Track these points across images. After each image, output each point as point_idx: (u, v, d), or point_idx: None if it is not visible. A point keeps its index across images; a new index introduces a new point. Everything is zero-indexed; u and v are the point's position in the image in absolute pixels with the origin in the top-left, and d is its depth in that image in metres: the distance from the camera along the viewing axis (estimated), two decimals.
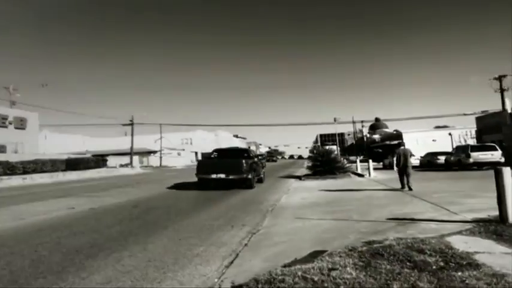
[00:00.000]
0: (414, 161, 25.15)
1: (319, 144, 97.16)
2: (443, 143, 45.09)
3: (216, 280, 4.29)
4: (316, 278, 3.57)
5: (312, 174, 23.12)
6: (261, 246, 5.82)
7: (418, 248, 4.42)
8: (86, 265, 4.89)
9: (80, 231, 7.21)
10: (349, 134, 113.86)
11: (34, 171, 29.37)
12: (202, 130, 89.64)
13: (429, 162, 29.71)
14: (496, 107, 38.59)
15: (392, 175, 17.68)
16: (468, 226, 5.81)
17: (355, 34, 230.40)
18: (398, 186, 13.21)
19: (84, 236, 6.74)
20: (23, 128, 38.59)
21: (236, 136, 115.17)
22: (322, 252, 4.77)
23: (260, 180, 19.07)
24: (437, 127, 61.71)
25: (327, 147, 32.75)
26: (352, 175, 22.78)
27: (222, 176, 15.58)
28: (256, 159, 19.09)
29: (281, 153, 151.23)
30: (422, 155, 31.78)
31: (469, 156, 23.63)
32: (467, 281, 3.27)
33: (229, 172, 15.59)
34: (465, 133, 47.29)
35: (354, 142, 72.35)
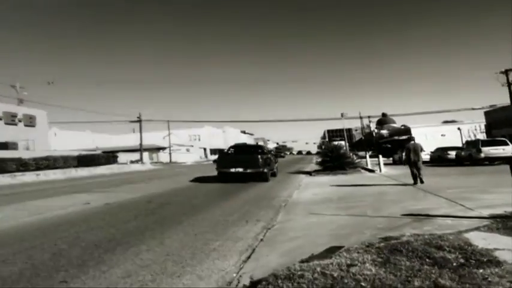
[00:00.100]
0: (424, 156, 25.00)
1: (327, 139, 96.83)
2: (452, 138, 44.71)
3: (234, 275, 4.33)
4: (335, 274, 3.59)
5: (322, 170, 23.07)
6: (277, 242, 5.86)
7: (436, 245, 4.41)
8: (106, 259, 4.97)
9: (97, 226, 7.31)
10: (356, 130, 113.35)
11: (47, 167, 29.74)
12: (210, 126, 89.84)
13: (439, 158, 29.51)
14: (504, 100, 38.11)
15: (403, 170, 17.61)
16: (485, 222, 5.77)
17: (363, 29, 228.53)
18: (410, 181, 13.15)
19: (102, 231, 6.84)
20: (33, 126, 38.98)
21: (244, 132, 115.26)
22: (339, 248, 4.78)
23: (274, 174, 20.15)
24: (446, 122, 61.16)
25: (335, 142, 32.64)
26: (363, 170, 22.69)
27: (240, 170, 17.01)
28: (269, 154, 20.19)
29: (289, 149, 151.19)
30: (432, 150, 31.56)
31: (480, 151, 23.42)
32: (489, 279, 3.25)
33: (247, 166, 17.01)
34: (474, 128, 46.77)
35: (363, 137, 71.89)
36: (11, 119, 36.50)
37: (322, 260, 4.21)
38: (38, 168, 28.76)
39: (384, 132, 71.15)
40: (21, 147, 34.92)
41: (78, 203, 10.93)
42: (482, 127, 41.91)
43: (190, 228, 6.95)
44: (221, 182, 17.16)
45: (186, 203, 10.88)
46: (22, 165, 27.84)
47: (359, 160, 26.49)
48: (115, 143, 76.62)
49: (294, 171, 25.75)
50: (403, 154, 14.04)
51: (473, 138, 37.05)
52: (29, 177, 25.09)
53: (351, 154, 29.60)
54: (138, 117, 54.38)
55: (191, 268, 4.57)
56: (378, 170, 21.13)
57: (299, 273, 3.73)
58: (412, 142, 13.74)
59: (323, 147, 25.77)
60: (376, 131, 74.24)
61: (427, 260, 3.88)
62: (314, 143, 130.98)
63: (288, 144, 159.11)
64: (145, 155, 59.63)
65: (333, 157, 22.97)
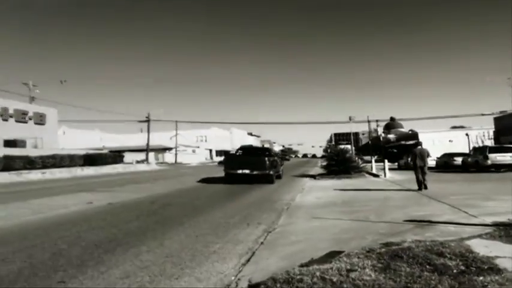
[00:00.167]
0: (430, 161, 24.84)
1: (333, 143, 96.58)
2: (460, 143, 44.36)
3: (233, 278, 4.31)
4: (335, 279, 3.56)
5: (327, 174, 23.02)
6: (277, 245, 5.83)
7: (437, 251, 4.36)
8: (105, 259, 4.97)
9: (98, 226, 7.33)
10: (363, 134, 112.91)
11: (53, 166, 29.92)
12: (217, 128, 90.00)
13: (446, 164, 29.28)
14: None
15: (408, 176, 17.51)
16: (488, 230, 5.71)
17: (374, 32, 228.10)
18: (415, 187, 13.06)
19: (103, 231, 6.85)
20: (43, 124, 39.27)
21: (250, 134, 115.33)
22: (339, 252, 4.75)
23: (279, 176, 20.43)
24: (454, 127, 60.75)
25: (342, 146, 32.53)
26: (367, 175, 22.60)
27: (247, 171, 17.31)
28: (276, 157, 20.79)
29: (295, 152, 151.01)
30: (439, 155, 31.32)
31: (487, 157, 23.19)
32: (489, 286, 3.21)
33: (253, 168, 17.35)
34: (482, 134, 46.32)
35: (369, 142, 71.60)
36: (21, 117, 36.76)
37: (322, 264, 4.18)
38: (45, 167, 28.95)
39: (391, 136, 70.84)
40: (29, 145, 35.20)
41: (82, 202, 10.98)
42: (491, 133, 41.52)
43: (191, 230, 6.94)
44: (225, 184, 17.27)
45: (189, 204, 10.89)
46: (29, 163, 28.05)
47: (364, 164, 26.39)
48: (122, 142, 76.98)
49: (298, 175, 25.70)
50: (409, 159, 13.95)
51: (481, 145, 36.71)
52: (34, 175, 25.26)
53: (357, 158, 29.49)
54: (146, 117, 54.63)
55: (190, 270, 4.56)
56: (383, 174, 21.02)
57: (298, 277, 3.71)
58: (419, 147, 13.65)
59: (329, 150, 25.65)
60: (383, 135, 74.11)
61: (428, 266, 3.84)
62: (320, 146, 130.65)
63: (294, 147, 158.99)
64: (151, 155, 59.90)
65: (338, 161, 22.90)
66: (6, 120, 35.07)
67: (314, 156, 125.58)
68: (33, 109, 39.07)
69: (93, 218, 8.31)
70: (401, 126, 77.98)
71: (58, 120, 44.14)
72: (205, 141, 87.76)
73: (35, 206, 10.16)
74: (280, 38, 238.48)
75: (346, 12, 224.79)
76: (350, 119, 59.43)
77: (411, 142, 45.01)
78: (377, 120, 68.01)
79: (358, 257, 4.34)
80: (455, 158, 28.44)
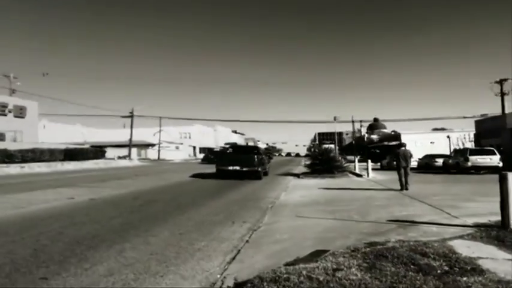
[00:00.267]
0: (412, 162, 25.19)
1: (317, 142, 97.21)
2: (441, 145, 45.10)
3: (218, 276, 4.29)
4: (321, 278, 3.57)
5: (310, 173, 23.12)
6: (263, 243, 5.83)
7: (421, 251, 4.43)
8: (88, 256, 4.88)
9: (80, 222, 7.20)
10: (347, 134, 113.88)
11: (32, 160, 29.30)
12: (201, 124, 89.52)
13: (427, 165, 29.75)
14: (496, 110, 38.71)
15: (391, 176, 17.74)
16: (469, 231, 5.83)
17: (355, 34, 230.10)
18: (397, 187, 13.24)
19: (85, 227, 6.73)
20: (22, 117, 38.42)
21: (235, 132, 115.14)
22: (324, 251, 4.77)
23: (266, 173, 21.74)
24: (435, 129, 61.75)
25: (326, 146, 32.74)
26: (350, 175, 22.81)
27: (237, 168, 18.62)
28: (263, 155, 22.10)
29: (278, 151, 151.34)
30: (420, 157, 31.82)
31: (467, 159, 23.65)
32: (472, 287, 3.27)
33: (243, 165, 18.61)
34: (463, 136, 47.23)
35: (353, 142, 72.32)
36: (1, 110, 35.91)
37: (307, 263, 4.20)
38: (24, 161, 28.33)
39: (374, 137, 71.63)
40: (8, 138, 34.41)
41: (63, 197, 10.78)
42: (472, 136, 42.34)
43: (175, 227, 6.88)
44: (209, 180, 17.29)
45: (173, 201, 10.79)
46: (7, 157, 27.42)
47: (347, 164, 26.60)
48: (104, 137, 75.83)
49: (282, 173, 25.74)
50: (393, 160, 14.13)
51: (461, 147, 37.42)
52: (13, 169, 24.70)
53: (340, 158, 29.71)
54: (130, 112, 53.89)
55: (175, 268, 4.52)
56: (366, 174, 21.24)
57: (285, 276, 3.71)
58: (403, 148, 13.85)
59: (312, 149, 25.82)
60: (366, 135, 74.94)
61: (412, 266, 3.89)
62: (304, 146, 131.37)
63: (278, 146, 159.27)
64: (134, 151, 59.21)
65: (322, 160, 23.03)
66: None
67: (298, 155, 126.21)
68: (13, 102, 38.22)
69: (75, 213, 8.16)
70: (385, 127, 78.89)
71: (39, 113, 43.27)
72: (189, 137, 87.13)
73: (14, 201, 9.92)
74: (266, 39, 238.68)
75: (331, 15, 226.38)
76: (335, 118, 59.99)
77: (394, 143, 45.68)
78: (361, 121, 68.81)
79: (344, 256, 4.37)
80: (437, 159, 28.91)
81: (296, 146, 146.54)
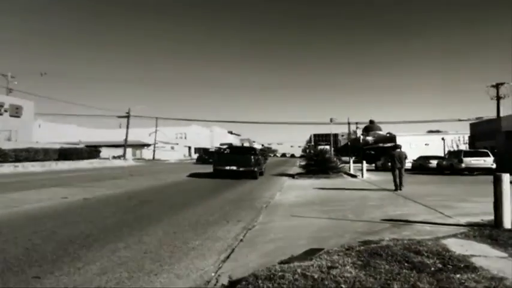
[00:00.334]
0: (407, 163, 25.29)
1: (313, 143, 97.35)
2: (435, 147, 45.33)
3: (213, 274, 4.28)
4: (316, 276, 3.57)
5: (305, 173, 23.15)
6: (257, 242, 5.82)
7: (415, 250, 4.44)
8: (81, 255, 4.85)
9: (74, 221, 7.16)
10: (342, 135, 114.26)
11: (26, 159, 29.14)
12: (197, 125, 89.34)
13: (421, 166, 29.87)
14: (491, 113, 38.97)
15: (385, 177, 17.82)
16: (463, 230, 5.86)
17: (354, 38, 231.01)
18: (392, 187, 13.29)
19: (79, 226, 6.69)
20: (18, 116, 38.22)
21: (231, 132, 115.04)
22: (319, 250, 4.77)
23: (261, 173, 22.10)
24: (430, 131, 62.01)
25: (321, 147, 32.84)
26: (345, 175, 22.86)
27: (234, 168, 19.10)
28: (259, 156, 22.46)
29: (274, 151, 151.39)
30: (415, 158, 31.96)
31: (461, 161, 23.81)
32: (466, 284, 3.28)
33: (240, 165, 19.12)
34: (458, 138, 47.49)
35: (349, 143, 72.48)
36: None
37: (302, 261, 4.19)
38: (18, 160, 28.17)
39: (370, 138, 71.86)
40: (3, 137, 34.20)
41: (56, 197, 10.71)
42: (466, 138, 42.56)
43: (169, 227, 6.86)
44: (203, 180, 17.30)
45: (167, 200, 10.77)
46: (1, 156, 27.24)
47: (342, 165, 26.66)
48: (100, 137, 75.49)
49: (277, 174, 25.75)
50: (388, 161, 14.19)
51: (456, 149, 37.63)
52: (6, 168, 24.54)
53: (335, 159, 29.77)
54: (127, 113, 53.72)
55: (169, 267, 4.50)
56: (361, 175, 21.29)
57: (280, 273, 3.70)
58: (398, 150, 13.91)
59: (308, 150, 25.91)
60: (362, 137, 75.19)
61: (406, 264, 3.90)
62: (299, 146, 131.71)
63: (273, 147, 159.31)
64: (129, 151, 58.99)
65: (318, 161, 23.09)
66: None
67: (293, 156, 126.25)
68: (10, 101, 38.05)
69: (69, 213, 8.11)
70: (380, 129, 79.16)
71: (35, 113, 43.09)
72: (185, 138, 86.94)
73: (6, 200, 9.85)
74: (263, 40, 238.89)
75: (330, 20, 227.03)
76: (331, 120, 60.02)
77: (389, 144, 45.77)
78: (357, 123, 69.11)
79: (338, 255, 4.37)
80: (431, 161, 29.06)
81: (291, 147, 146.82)
